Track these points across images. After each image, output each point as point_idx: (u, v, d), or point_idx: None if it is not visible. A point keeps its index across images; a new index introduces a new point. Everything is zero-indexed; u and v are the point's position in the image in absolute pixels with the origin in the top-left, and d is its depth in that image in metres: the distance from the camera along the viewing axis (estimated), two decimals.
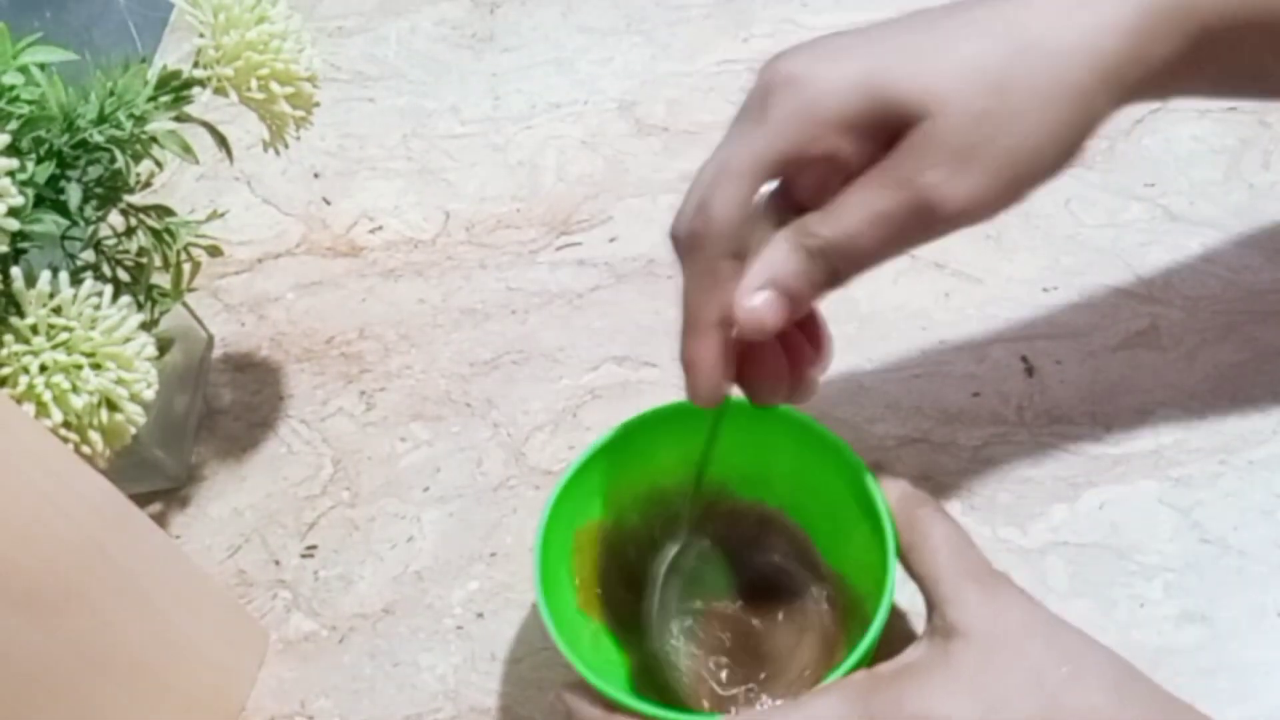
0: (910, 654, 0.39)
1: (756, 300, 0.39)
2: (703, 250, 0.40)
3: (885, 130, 0.37)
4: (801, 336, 0.43)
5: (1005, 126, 0.37)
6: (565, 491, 0.44)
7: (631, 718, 0.39)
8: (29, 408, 0.43)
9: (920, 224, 0.38)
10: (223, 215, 0.56)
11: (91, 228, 0.49)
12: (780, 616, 0.46)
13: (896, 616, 0.46)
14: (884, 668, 0.39)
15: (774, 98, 0.39)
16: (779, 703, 0.42)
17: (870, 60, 0.38)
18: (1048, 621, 0.39)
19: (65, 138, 0.47)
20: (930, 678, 0.37)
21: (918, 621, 0.46)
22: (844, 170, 0.38)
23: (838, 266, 0.38)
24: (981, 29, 0.38)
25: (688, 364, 0.41)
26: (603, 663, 0.45)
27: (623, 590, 0.46)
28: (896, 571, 0.40)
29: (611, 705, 0.39)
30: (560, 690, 0.41)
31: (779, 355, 0.42)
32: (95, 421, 0.44)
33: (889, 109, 0.37)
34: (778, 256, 0.39)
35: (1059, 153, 0.38)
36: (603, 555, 0.47)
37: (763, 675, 0.45)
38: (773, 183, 0.40)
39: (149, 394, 0.46)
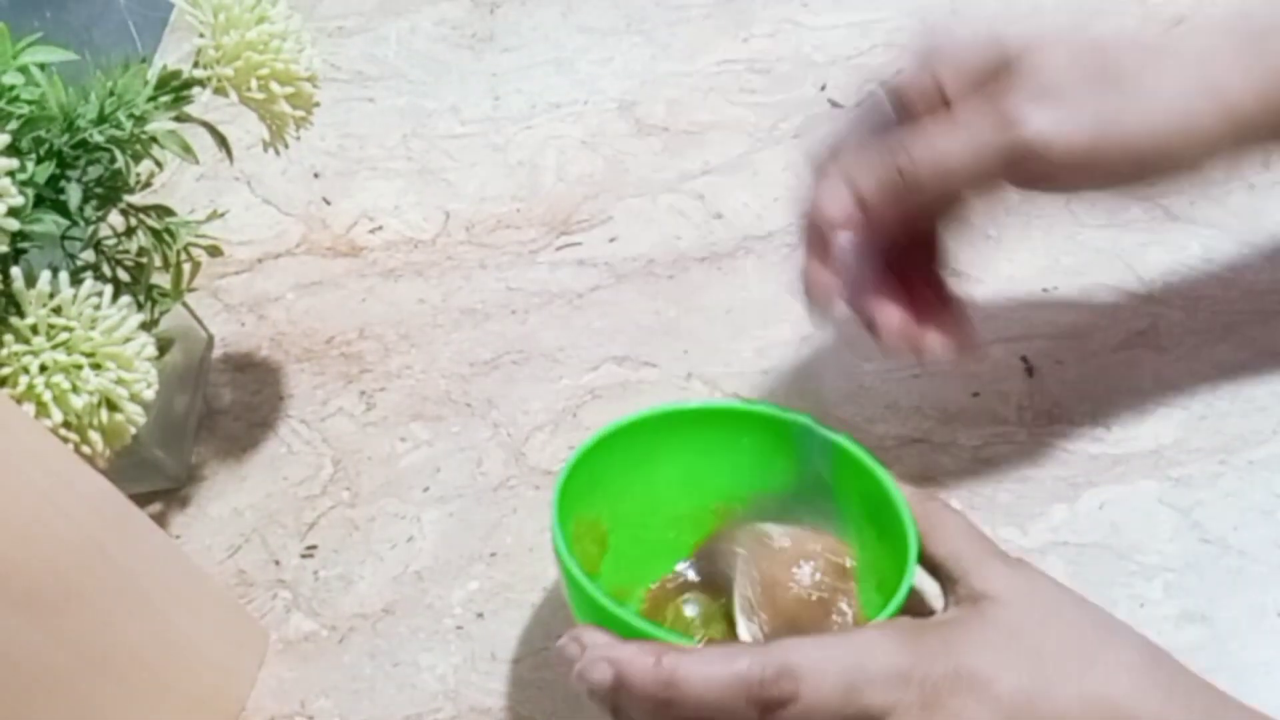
0: (942, 616, 0.39)
1: (826, 194, 0.42)
2: (817, 166, 0.44)
3: (995, 76, 0.41)
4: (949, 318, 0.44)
5: (1104, 82, 0.40)
6: (574, 471, 0.43)
7: (647, 642, 0.37)
8: (29, 408, 0.43)
9: (1005, 157, 0.40)
10: (223, 215, 0.56)
11: (91, 228, 0.49)
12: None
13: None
14: (922, 620, 0.39)
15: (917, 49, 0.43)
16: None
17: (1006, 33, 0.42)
18: (1074, 593, 0.39)
19: (65, 138, 0.47)
20: (969, 632, 0.37)
21: None
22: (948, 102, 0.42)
23: (914, 186, 0.41)
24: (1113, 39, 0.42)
25: (802, 275, 0.43)
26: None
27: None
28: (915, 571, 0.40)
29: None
30: (570, 631, 0.39)
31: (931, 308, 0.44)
32: (95, 421, 0.44)
33: (1000, 50, 0.41)
34: (862, 163, 0.42)
35: (1153, 135, 0.40)
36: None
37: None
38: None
39: (149, 394, 0.46)
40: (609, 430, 0.44)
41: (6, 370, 0.43)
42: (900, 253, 0.44)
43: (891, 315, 0.43)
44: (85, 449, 0.44)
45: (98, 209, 0.49)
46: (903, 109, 0.42)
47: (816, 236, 0.42)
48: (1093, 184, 0.42)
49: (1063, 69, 0.40)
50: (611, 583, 0.46)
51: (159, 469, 0.57)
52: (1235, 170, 0.43)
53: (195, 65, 0.49)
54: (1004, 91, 0.40)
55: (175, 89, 0.49)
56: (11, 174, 0.42)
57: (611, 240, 0.63)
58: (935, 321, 0.43)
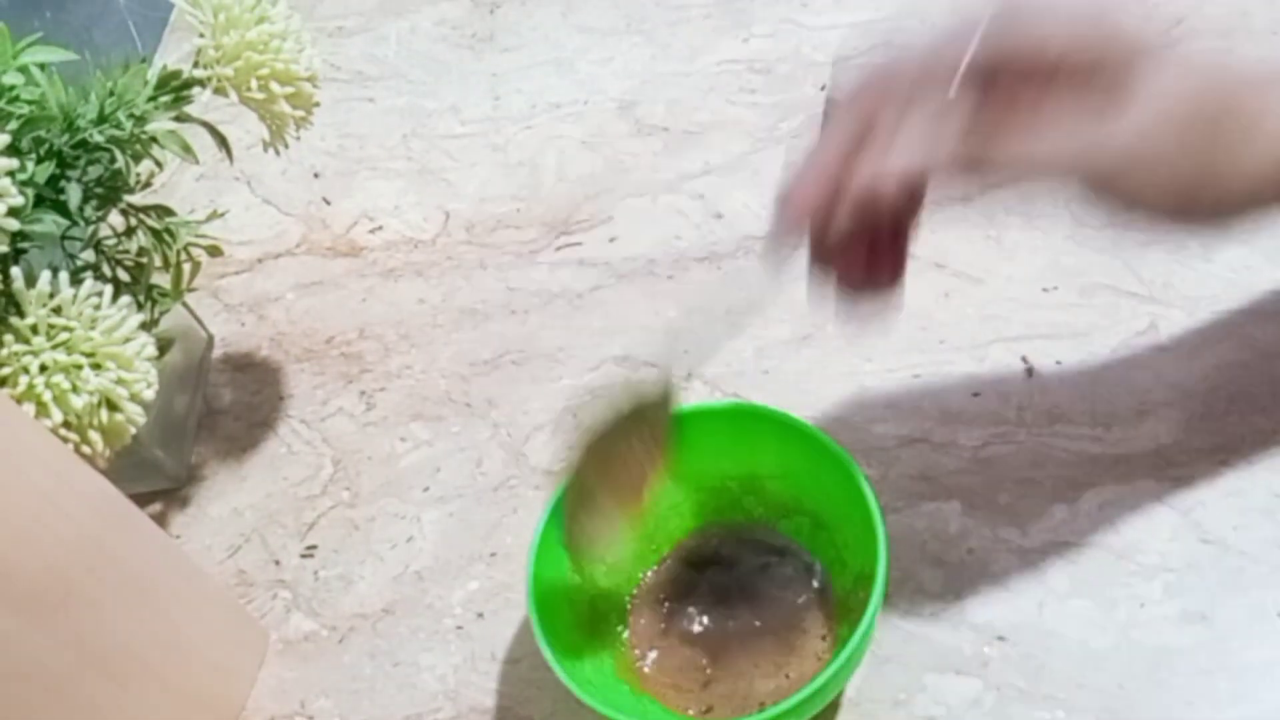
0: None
1: (895, 175, 0.37)
2: (867, 96, 0.38)
3: (1095, 79, 0.37)
4: (887, 243, 0.41)
5: (1212, 139, 0.37)
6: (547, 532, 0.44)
7: None
8: (29, 408, 0.43)
9: (1085, 171, 0.37)
10: (223, 215, 0.56)
11: (91, 228, 0.49)
12: (765, 622, 0.46)
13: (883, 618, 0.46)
14: None
15: (1011, 7, 0.37)
16: None
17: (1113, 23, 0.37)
18: None
19: (65, 138, 0.47)
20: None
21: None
22: (1042, 86, 0.37)
23: (995, 175, 0.37)
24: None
25: (783, 197, 0.39)
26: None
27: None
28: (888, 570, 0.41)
29: None
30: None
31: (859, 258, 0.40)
32: (95, 421, 0.44)
33: (1107, 52, 0.36)
34: (944, 149, 0.37)
35: (1237, 205, 0.38)
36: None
37: (727, 693, 0.45)
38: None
39: (149, 394, 0.46)
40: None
41: (7, 370, 0.43)
42: None
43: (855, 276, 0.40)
44: (85, 449, 0.45)
45: (98, 209, 0.49)
46: (991, 68, 0.37)
47: (827, 171, 0.38)
48: (1159, 219, 0.39)
49: (1175, 113, 0.36)
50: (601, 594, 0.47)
51: (159, 469, 0.57)
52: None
53: (195, 65, 0.50)
54: (1108, 111, 0.36)
55: (175, 89, 0.49)
56: (11, 174, 0.42)
57: (611, 240, 0.63)
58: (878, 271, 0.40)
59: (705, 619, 0.47)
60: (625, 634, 0.47)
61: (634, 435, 0.43)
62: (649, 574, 0.48)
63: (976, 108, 0.37)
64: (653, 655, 0.46)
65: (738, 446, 0.47)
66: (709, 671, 0.45)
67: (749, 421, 0.46)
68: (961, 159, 0.37)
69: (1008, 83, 0.37)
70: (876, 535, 0.41)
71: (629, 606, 0.48)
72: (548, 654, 0.41)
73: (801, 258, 0.40)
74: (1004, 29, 0.37)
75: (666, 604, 0.47)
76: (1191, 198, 0.38)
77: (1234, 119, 0.37)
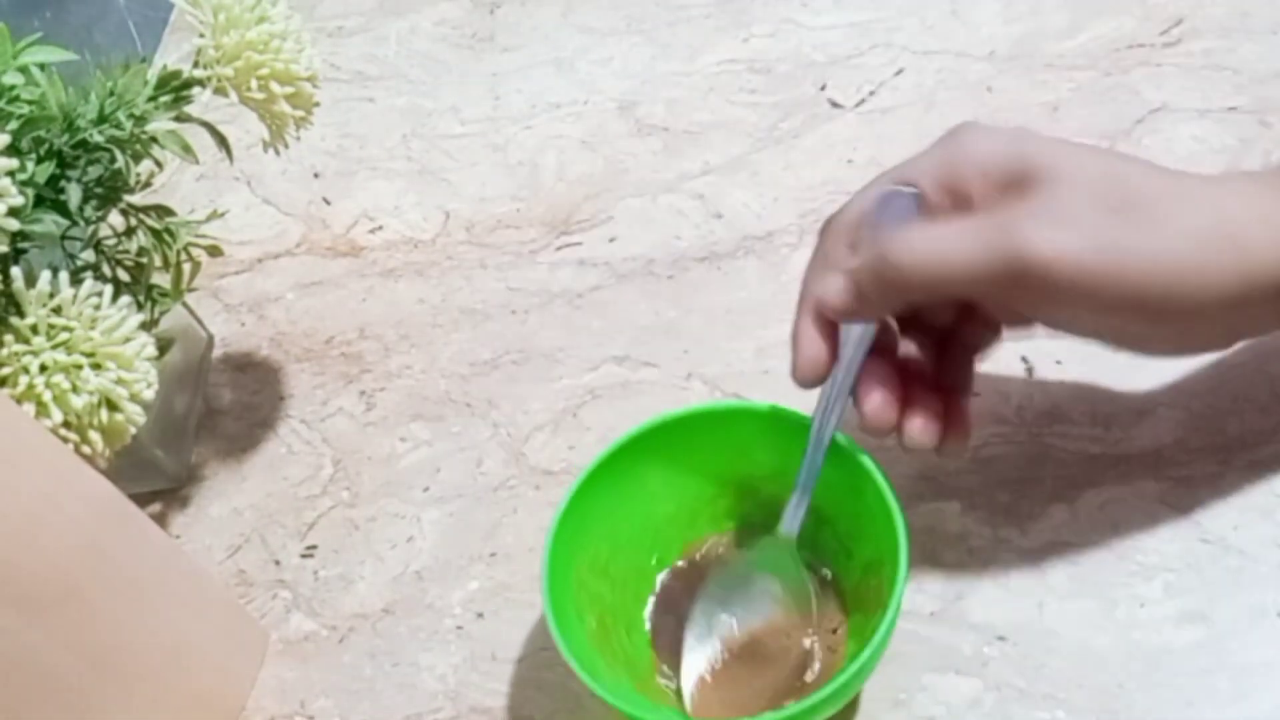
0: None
1: (830, 283, 0.42)
2: (827, 234, 0.44)
3: (1015, 186, 0.40)
4: (952, 408, 0.44)
5: (1120, 213, 0.38)
6: (562, 526, 0.44)
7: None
8: (29, 408, 0.43)
9: (1003, 271, 0.39)
10: (223, 215, 0.56)
11: (91, 228, 0.49)
12: (775, 622, 0.46)
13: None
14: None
15: (947, 138, 0.43)
16: None
17: (1037, 141, 0.41)
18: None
19: (65, 138, 0.47)
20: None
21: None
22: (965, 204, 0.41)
23: (904, 281, 0.40)
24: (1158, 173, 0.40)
25: (792, 338, 0.44)
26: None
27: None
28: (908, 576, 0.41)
29: None
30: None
31: (929, 398, 0.44)
32: (95, 421, 0.44)
33: (1024, 162, 0.40)
34: (864, 254, 0.42)
35: (1161, 270, 0.38)
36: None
37: (746, 696, 0.45)
38: (906, 189, 0.43)
39: (149, 394, 0.46)
40: (585, 477, 0.45)
41: (6, 370, 0.43)
42: (933, 339, 0.45)
43: (874, 396, 0.43)
44: (85, 449, 0.45)
45: (98, 209, 0.49)
46: (924, 203, 0.42)
47: (817, 312, 0.43)
48: (1094, 314, 0.40)
49: (1081, 193, 0.39)
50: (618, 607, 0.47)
51: (159, 469, 0.57)
52: (1247, 329, 0.42)
53: (195, 65, 0.50)
54: (1017, 204, 0.39)
55: (175, 89, 0.49)
56: (11, 174, 0.42)
57: (611, 240, 0.63)
58: (930, 409, 0.43)
59: (714, 625, 0.46)
60: (638, 647, 0.46)
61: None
62: (656, 586, 0.48)
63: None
64: (668, 665, 0.46)
65: (728, 450, 0.47)
66: (726, 675, 0.45)
67: (738, 422, 0.46)
68: (876, 269, 0.41)
69: (936, 208, 0.42)
70: (890, 514, 0.41)
71: (640, 618, 0.47)
72: (573, 663, 0.41)
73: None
74: (933, 154, 0.42)
75: (676, 614, 0.47)
76: (1132, 281, 0.38)
77: (1133, 208, 0.39)
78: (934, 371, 0.45)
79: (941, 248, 0.39)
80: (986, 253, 0.38)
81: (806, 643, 0.45)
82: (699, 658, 0.45)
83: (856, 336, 0.43)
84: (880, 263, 0.40)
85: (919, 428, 0.43)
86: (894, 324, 0.45)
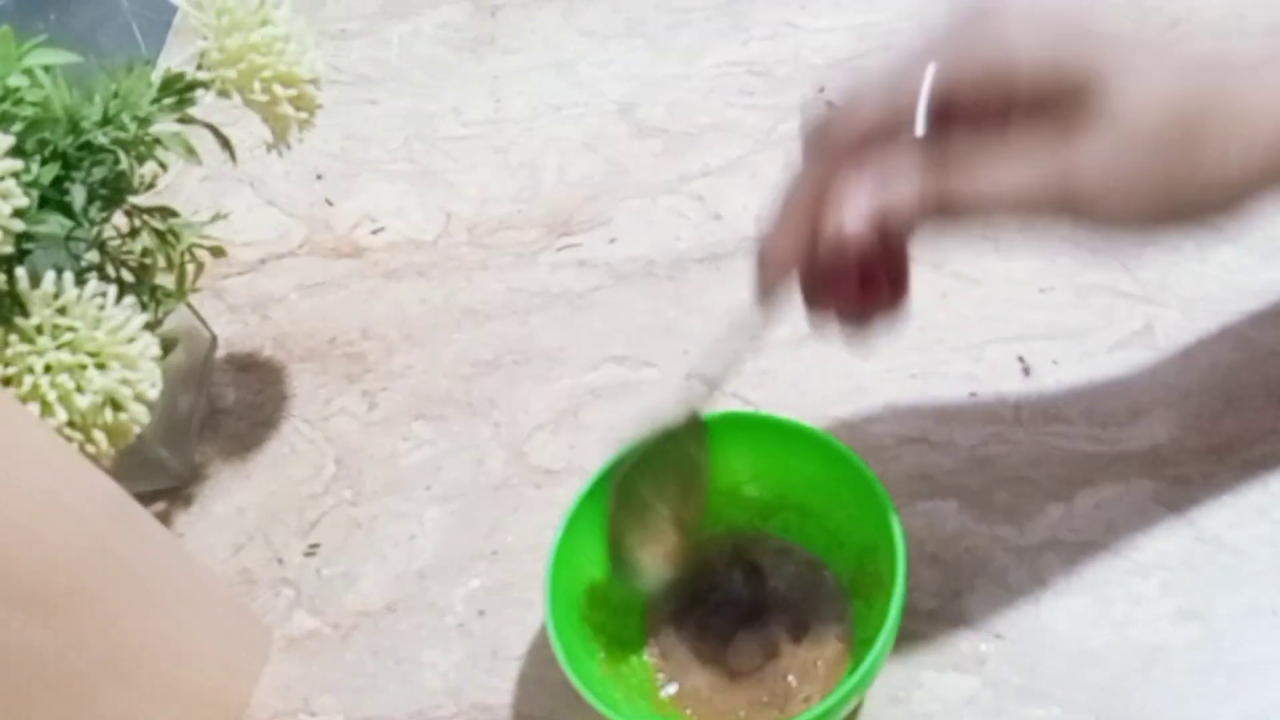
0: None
1: (854, 226, 0.36)
2: (831, 138, 0.37)
3: (1063, 97, 0.35)
4: (882, 272, 0.40)
5: (1184, 149, 0.35)
6: (557, 569, 0.44)
7: None
8: (34, 407, 0.43)
9: (1059, 211, 0.36)
10: (226, 216, 0.56)
11: (96, 229, 0.50)
12: (777, 621, 0.47)
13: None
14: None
15: (978, 19, 0.36)
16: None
17: (1093, 44, 0.36)
18: None
19: (69, 139, 0.47)
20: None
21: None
22: (1007, 111, 0.36)
23: (957, 220, 0.36)
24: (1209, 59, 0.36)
25: (761, 255, 0.39)
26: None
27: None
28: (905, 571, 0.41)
29: None
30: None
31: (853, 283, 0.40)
32: (100, 421, 0.45)
33: (1081, 74, 0.35)
34: (902, 192, 0.36)
35: (1215, 208, 0.37)
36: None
37: (765, 699, 0.45)
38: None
39: (153, 394, 0.46)
40: (569, 518, 0.45)
41: (12, 370, 0.43)
42: None
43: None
44: (90, 448, 0.45)
45: (102, 210, 0.50)
46: (951, 97, 0.36)
47: (794, 231, 0.38)
48: (1132, 234, 0.37)
49: (1148, 124, 0.35)
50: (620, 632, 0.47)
51: (163, 468, 0.58)
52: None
53: (199, 67, 0.50)
54: (1076, 133, 0.35)
55: (179, 91, 0.50)
56: (16, 175, 0.42)
57: (611, 241, 0.64)
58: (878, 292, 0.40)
59: (718, 633, 0.47)
60: (643, 662, 0.47)
61: (666, 465, 0.44)
62: (653, 600, 0.48)
63: (937, 141, 0.36)
64: (674, 677, 0.46)
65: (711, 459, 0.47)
66: (735, 681, 0.45)
67: (716, 430, 0.46)
68: (924, 199, 0.35)
69: (972, 110, 0.36)
70: (879, 499, 0.42)
71: (641, 638, 0.47)
72: (576, 682, 0.41)
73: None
74: (969, 45, 0.36)
75: (678, 627, 0.47)
76: (1175, 207, 0.36)
77: (1213, 118, 0.35)
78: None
79: (1000, 186, 0.35)
80: (1045, 194, 0.35)
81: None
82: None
83: None
84: (934, 196, 0.35)
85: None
86: None
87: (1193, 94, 0.35)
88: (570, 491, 0.45)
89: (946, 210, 0.35)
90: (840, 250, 0.36)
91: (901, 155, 0.36)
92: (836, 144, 0.37)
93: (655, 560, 0.44)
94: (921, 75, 0.36)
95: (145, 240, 0.53)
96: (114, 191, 0.50)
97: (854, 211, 0.36)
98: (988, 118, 0.36)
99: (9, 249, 0.43)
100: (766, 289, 0.39)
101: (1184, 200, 0.36)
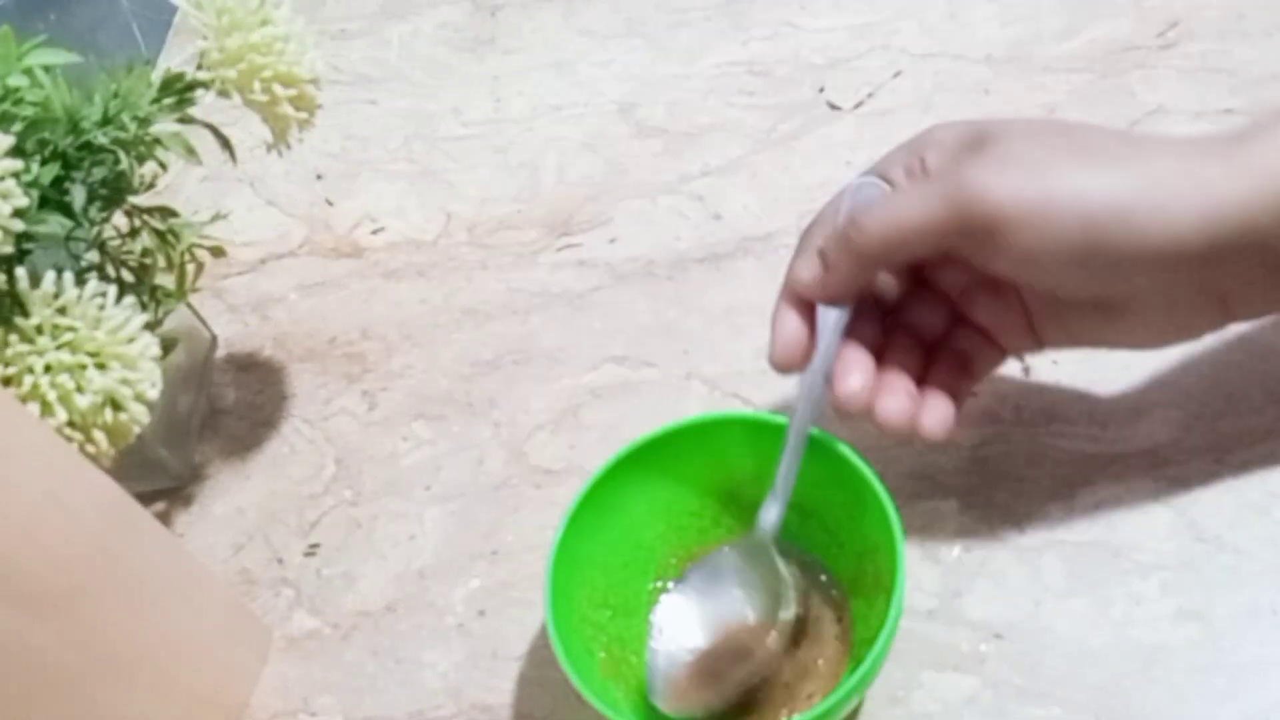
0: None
1: (800, 262, 0.44)
2: (806, 233, 0.45)
3: (969, 150, 0.41)
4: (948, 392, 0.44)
5: (1070, 153, 0.39)
6: (556, 570, 0.44)
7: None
8: (34, 407, 0.43)
9: (955, 220, 0.39)
10: (226, 216, 0.56)
11: (96, 229, 0.50)
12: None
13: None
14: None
15: (917, 134, 0.45)
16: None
17: (995, 120, 0.43)
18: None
19: (69, 139, 0.47)
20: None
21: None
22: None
23: (868, 244, 0.42)
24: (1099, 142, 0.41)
25: (771, 324, 0.45)
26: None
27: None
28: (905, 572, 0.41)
29: None
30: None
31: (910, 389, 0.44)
32: (100, 421, 0.45)
33: (978, 130, 0.42)
34: (832, 233, 0.43)
35: (1113, 195, 0.38)
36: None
37: (765, 699, 0.45)
38: (872, 179, 0.45)
39: (153, 394, 0.46)
40: (568, 518, 0.45)
41: (11, 370, 0.43)
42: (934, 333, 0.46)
43: (851, 378, 0.43)
44: (90, 448, 0.45)
45: (102, 210, 0.50)
46: (888, 183, 0.44)
47: (796, 298, 0.45)
48: (1059, 266, 0.39)
49: (1029, 142, 0.40)
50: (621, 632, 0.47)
51: (163, 468, 0.58)
52: (1227, 288, 0.40)
53: (199, 67, 0.50)
54: (965, 160, 0.40)
55: (179, 91, 0.50)
56: (16, 175, 0.42)
57: (611, 241, 0.64)
58: (902, 391, 0.43)
59: (721, 636, 0.46)
60: (643, 662, 0.46)
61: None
62: (654, 610, 0.47)
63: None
64: (678, 685, 0.46)
65: (707, 461, 0.47)
66: (740, 684, 0.45)
67: (712, 433, 0.46)
68: (841, 238, 0.42)
69: (898, 177, 0.44)
70: (879, 500, 0.42)
71: (644, 640, 0.47)
72: (576, 682, 0.41)
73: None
74: (913, 144, 0.44)
75: (679, 634, 0.47)
76: (1045, 218, 0.39)
77: (1084, 151, 0.39)
78: (923, 373, 0.45)
79: (898, 208, 0.41)
80: (940, 203, 0.39)
81: (771, 643, 0.45)
82: (667, 647, 0.45)
83: (833, 322, 0.43)
84: (844, 232, 0.42)
85: (893, 406, 0.43)
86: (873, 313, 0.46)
87: (1080, 132, 0.41)
88: (570, 491, 0.45)
89: (860, 239, 0.41)
90: (799, 284, 0.44)
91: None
92: (809, 239, 0.45)
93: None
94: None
95: (145, 240, 0.53)
96: (114, 191, 0.50)
97: (801, 261, 0.44)
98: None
99: (9, 249, 0.43)
100: (781, 347, 0.45)
101: (1089, 210, 0.38)
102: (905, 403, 0.43)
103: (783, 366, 0.44)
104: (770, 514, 0.44)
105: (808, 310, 0.44)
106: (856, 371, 0.43)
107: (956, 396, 0.44)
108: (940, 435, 0.43)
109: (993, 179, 0.39)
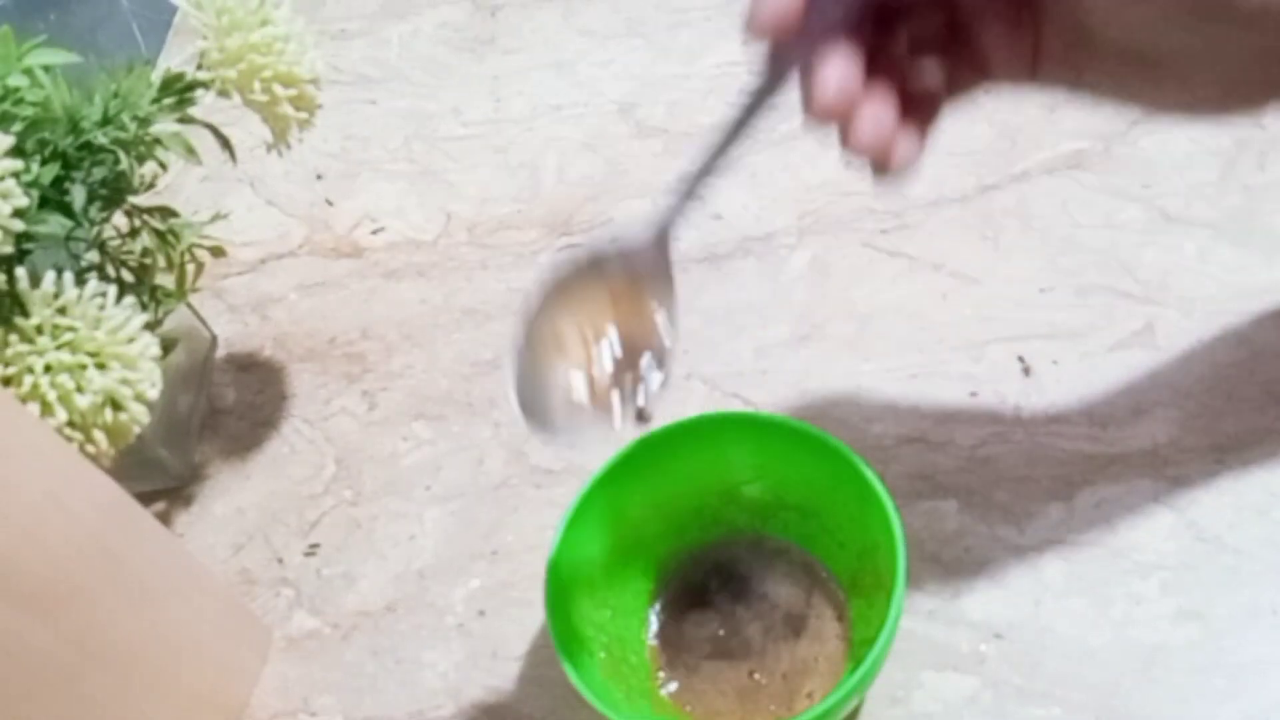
0: None
1: None
2: None
3: None
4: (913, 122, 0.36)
5: None
6: (555, 572, 0.44)
7: None
8: (34, 407, 0.43)
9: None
10: (226, 216, 0.56)
11: (96, 229, 0.50)
12: (779, 622, 0.47)
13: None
14: None
15: None
16: None
17: None
18: None
19: (70, 139, 0.47)
20: None
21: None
22: None
23: None
24: None
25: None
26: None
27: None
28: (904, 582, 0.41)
29: None
30: None
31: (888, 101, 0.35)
32: (100, 421, 0.45)
33: None
34: None
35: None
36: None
37: (765, 698, 0.45)
38: None
39: (153, 394, 0.46)
40: (568, 520, 0.45)
41: (11, 370, 0.43)
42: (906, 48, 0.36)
43: (836, 71, 0.33)
44: (89, 448, 0.45)
45: (102, 210, 0.50)
46: None
47: None
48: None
49: None
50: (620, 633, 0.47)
51: (163, 468, 0.58)
52: None
53: (199, 67, 0.50)
54: None
55: (179, 91, 0.50)
56: (16, 175, 0.42)
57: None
58: (888, 109, 0.35)
59: (721, 636, 0.47)
60: (643, 662, 0.47)
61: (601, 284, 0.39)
62: (654, 608, 0.48)
63: None
64: (674, 677, 0.46)
65: (704, 460, 0.47)
66: (742, 683, 0.45)
67: (708, 432, 0.46)
68: None
69: None
70: (879, 500, 0.42)
71: (643, 638, 0.47)
72: (576, 682, 0.41)
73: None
74: None
75: (679, 633, 0.47)
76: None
77: None
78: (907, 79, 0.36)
79: None
80: None
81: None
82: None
83: (838, 5, 0.34)
84: None
85: (871, 119, 0.34)
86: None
87: None
88: (570, 491, 0.45)
89: None
90: None
91: None
92: None
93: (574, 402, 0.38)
94: None
95: (145, 240, 0.53)
96: (114, 191, 0.50)
97: None
98: None
99: (9, 249, 0.43)
100: (767, 6, 0.33)
101: None
102: (884, 126, 0.35)
103: (762, 31, 0.33)
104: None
105: None
106: (845, 68, 0.34)
107: (925, 119, 0.37)
108: (902, 171, 0.36)
109: None
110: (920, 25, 0.37)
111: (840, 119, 0.34)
